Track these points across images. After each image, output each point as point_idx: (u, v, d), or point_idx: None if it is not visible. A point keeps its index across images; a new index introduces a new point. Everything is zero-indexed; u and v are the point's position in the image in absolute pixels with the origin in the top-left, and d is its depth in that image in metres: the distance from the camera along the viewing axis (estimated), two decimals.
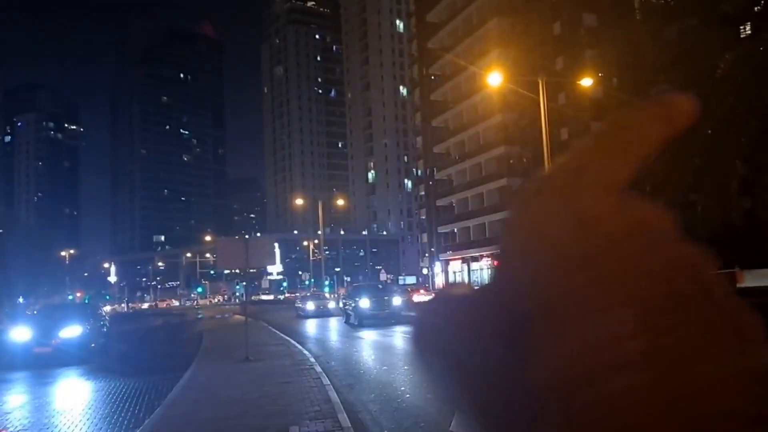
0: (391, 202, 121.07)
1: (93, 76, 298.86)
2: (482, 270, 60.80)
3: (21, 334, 17.06)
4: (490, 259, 59.08)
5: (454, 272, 65.83)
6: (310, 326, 28.69)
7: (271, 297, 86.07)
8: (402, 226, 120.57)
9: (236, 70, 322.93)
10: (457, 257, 65.31)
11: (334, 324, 28.41)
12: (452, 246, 66.51)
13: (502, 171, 56.24)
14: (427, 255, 78.09)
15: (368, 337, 21.00)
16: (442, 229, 68.40)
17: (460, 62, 56.06)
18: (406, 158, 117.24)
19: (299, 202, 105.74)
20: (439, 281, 69.08)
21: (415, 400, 9.30)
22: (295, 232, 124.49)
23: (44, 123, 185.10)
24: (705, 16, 34.90)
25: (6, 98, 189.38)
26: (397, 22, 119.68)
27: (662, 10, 37.99)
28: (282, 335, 22.05)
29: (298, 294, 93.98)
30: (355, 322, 25.49)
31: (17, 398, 12.09)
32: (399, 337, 20.38)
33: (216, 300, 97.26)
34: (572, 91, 41.16)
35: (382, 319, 24.50)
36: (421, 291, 54.44)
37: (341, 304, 31.46)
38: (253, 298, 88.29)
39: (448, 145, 65.97)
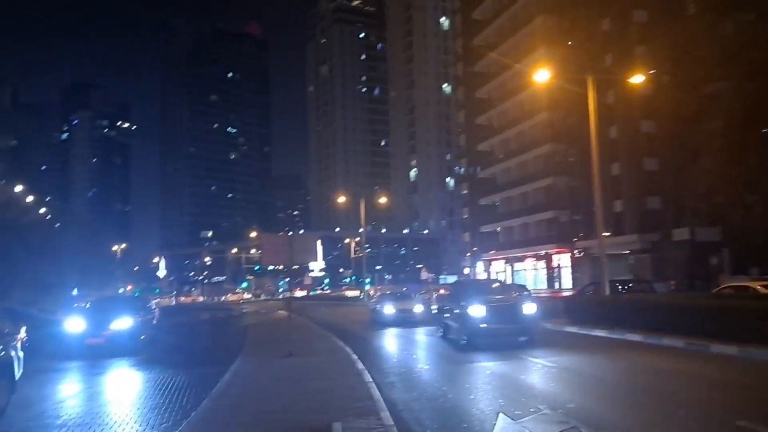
0: (433, 201, 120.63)
1: (144, 75, 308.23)
2: (525, 271, 59.96)
3: (75, 325, 17.66)
4: (534, 259, 58.23)
5: (497, 272, 65.12)
6: (389, 340, 20.04)
7: (305, 293, 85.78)
8: (444, 224, 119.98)
9: (282, 69, 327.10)
10: (499, 257, 64.58)
11: (424, 338, 19.52)
12: (495, 245, 65.81)
13: (547, 169, 55.33)
14: (469, 254, 77.48)
15: (488, 367, 12.67)
16: (484, 229, 67.73)
17: (505, 60, 55.36)
18: (448, 156, 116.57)
19: (342, 200, 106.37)
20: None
21: None
22: (338, 229, 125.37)
23: (98, 121, 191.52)
24: (762, 9, 33.51)
25: (63, 97, 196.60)
26: (442, 19, 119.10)
27: (717, 4, 36.67)
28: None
29: (321, 289, 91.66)
30: (461, 338, 16.33)
31: (71, 387, 12.53)
32: (548, 372, 11.87)
33: (247, 296, 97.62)
34: (621, 89, 40.12)
35: (506, 337, 15.89)
36: (442, 291, 53.11)
37: (434, 309, 23.55)
38: (280, 295, 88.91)
39: (493, 143, 65.27)
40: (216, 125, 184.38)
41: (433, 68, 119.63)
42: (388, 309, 25.38)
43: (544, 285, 54.30)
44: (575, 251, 51.28)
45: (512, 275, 61.61)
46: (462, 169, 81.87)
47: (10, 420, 8.88)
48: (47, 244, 30.51)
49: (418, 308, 25.84)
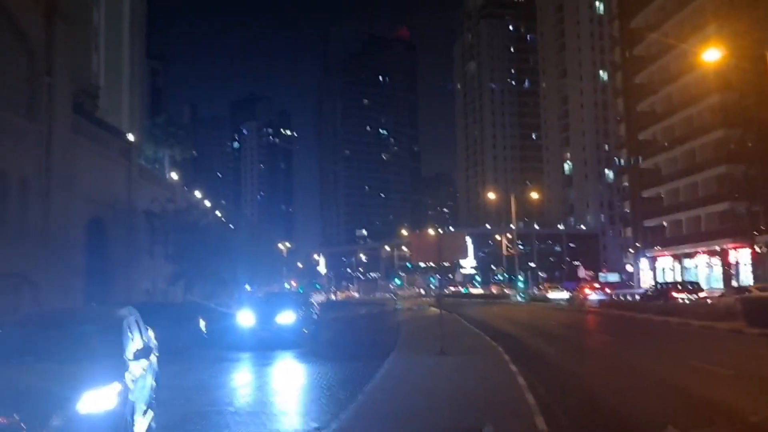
0: (590, 194, 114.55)
1: (302, 85, 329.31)
2: (696, 268, 54.89)
3: (246, 318, 19.30)
4: (707, 255, 53.17)
5: (663, 269, 60.35)
6: None
7: (455, 289, 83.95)
8: (602, 219, 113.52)
9: (429, 69, 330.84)
10: (666, 253, 59.78)
11: None
12: (661, 241, 61.02)
13: (720, 157, 50.15)
14: (631, 250, 72.69)
15: None
16: (648, 223, 63.09)
17: (669, 40, 51.11)
18: (606, 147, 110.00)
19: (491, 196, 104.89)
20: (646, 279, 63.86)
21: None
22: (488, 226, 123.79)
23: (264, 130, 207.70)
24: None
25: (233, 110, 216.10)
26: (597, 3, 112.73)
27: None
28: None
29: (455, 287, 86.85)
30: None
31: (243, 376, 13.75)
32: None
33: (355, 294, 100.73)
34: None
35: None
36: (586, 287, 50.84)
37: None
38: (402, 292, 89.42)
39: (655, 130, 60.58)
40: (368, 128, 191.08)
41: (587, 55, 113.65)
42: None
43: (719, 284, 49.29)
44: (756, 246, 45.97)
45: (681, 273, 56.71)
46: (621, 160, 76.96)
47: (191, 404, 9.92)
48: (223, 244, 33.58)
49: None
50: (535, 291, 62.86)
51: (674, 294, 34.11)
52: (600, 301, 41.87)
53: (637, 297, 40.70)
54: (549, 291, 56.71)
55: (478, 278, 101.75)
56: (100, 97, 39.30)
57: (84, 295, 25.21)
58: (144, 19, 57.34)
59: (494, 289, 80.00)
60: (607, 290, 50.20)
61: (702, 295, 33.95)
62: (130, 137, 36.54)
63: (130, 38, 51.66)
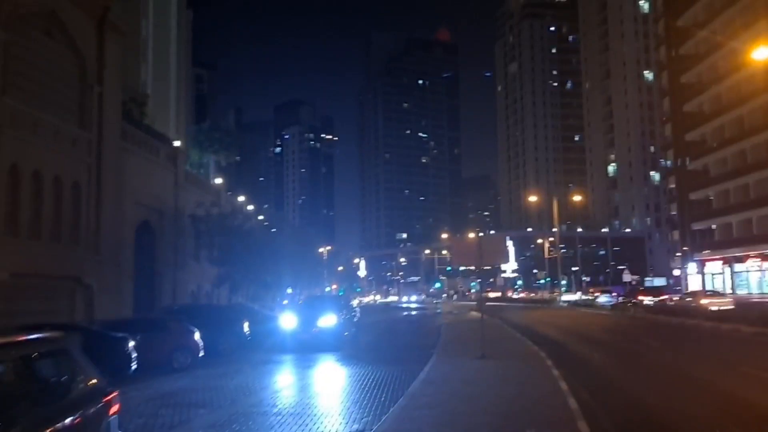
0: (635, 197, 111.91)
1: (344, 90, 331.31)
2: (747, 272, 53.02)
3: (288, 321, 19.63)
4: (759, 259, 51.32)
5: (712, 274, 58.50)
6: None
7: (498, 294, 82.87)
8: (648, 222, 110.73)
9: (470, 70, 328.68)
10: (715, 257, 57.91)
11: None
12: (709, 244, 59.15)
13: None
14: (678, 254, 70.68)
15: None
16: (696, 226, 61.22)
17: (717, 38, 49.62)
18: (652, 148, 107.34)
19: (533, 198, 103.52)
20: (694, 284, 62.04)
21: None
22: (529, 229, 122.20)
23: (306, 134, 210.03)
24: None
25: (276, 115, 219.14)
26: (641, 2, 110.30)
27: None
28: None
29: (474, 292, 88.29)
30: None
31: (285, 378, 14.01)
32: None
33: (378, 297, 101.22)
34: None
35: None
36: (597, 291, 53.28)
37: None
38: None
39: (704, 131, 58.79)
40: (408, 131, 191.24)
41: (631, 55, 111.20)
42: None
43: None
44: None
45: (732, 277, 54.85)
46: (668, 161, 74.99)
47: (236, 405, 10.19)
48: (266, 247, 34.19)
49: None
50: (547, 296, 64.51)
51: (640, 297, 39.30)
52: (647, 305, 41.95)
53: (620, 299, 44.18)
54: (561, 295, 58.29)
55: (520, 282, 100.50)
56: (148, 105, 40.55)
57: (133, 298, 26.03)
58: (190, 29, 58.94)
59: (509, 293, 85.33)
60: (614, 293, 51.14)
61: (663, 297, 38.32)
62: (177, 143, 37.56)
63: (176, 48, 53.11)
